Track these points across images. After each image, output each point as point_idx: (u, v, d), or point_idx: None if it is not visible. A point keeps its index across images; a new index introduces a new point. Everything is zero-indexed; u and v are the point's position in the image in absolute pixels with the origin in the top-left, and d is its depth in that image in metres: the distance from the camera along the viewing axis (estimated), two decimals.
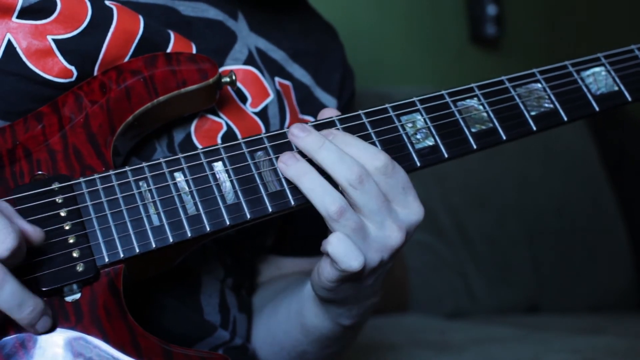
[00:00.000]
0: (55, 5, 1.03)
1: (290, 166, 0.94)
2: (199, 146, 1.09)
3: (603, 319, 2.28)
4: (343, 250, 0.91)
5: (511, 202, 2.55)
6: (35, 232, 0.85)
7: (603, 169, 2.79)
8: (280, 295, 1.18)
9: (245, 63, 1.16)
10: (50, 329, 0.87)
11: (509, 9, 2.95)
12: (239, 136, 1.12)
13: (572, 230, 2.63)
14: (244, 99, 1.15)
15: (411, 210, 0.96)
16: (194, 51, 1.11)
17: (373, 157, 0.94)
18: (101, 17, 1.04)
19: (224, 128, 1.11)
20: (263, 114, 1.16)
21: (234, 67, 1.15)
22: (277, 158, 0.98)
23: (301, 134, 0.95)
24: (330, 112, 1.02)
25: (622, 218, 2.76)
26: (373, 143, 1.01)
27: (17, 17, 1.01)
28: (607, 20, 3.13)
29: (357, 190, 0.92)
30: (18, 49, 1.01)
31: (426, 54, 2.77)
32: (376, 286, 1.02)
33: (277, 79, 1.20)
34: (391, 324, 2.08)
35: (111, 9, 1.05)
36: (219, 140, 1.10)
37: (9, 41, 1.01)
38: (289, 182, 0.96)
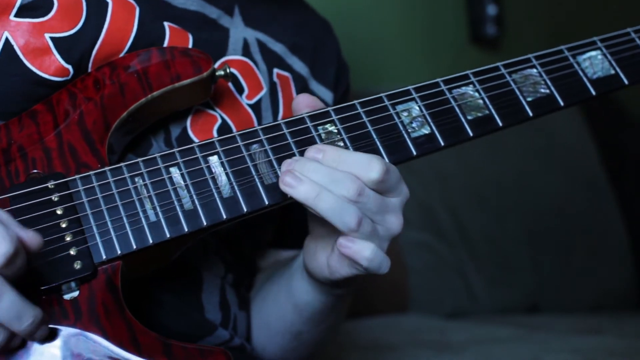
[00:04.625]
0: (52, 2, 1.03)
1: (297, 188, 0.92)
2: (196, 140, 1.08)
3: (603, 319, 2.27)
4: (378, 261, 0.94)
5: (511, 202, 2.55)
6: (32, 238, 0.83)
7: (603, 169, 2.79)
8: (267, 284, 1.19)
9: (242, 55, 1.16)
10: (48, 337, 0.87)
11: (509, 9, 2.95)
12: (234, 129, 1.12)
13: (572, 230, 2.63)
14: (241, 90, 1.15)
15: (403, 195, 0.98)
16: (191, 41, 1.11)
17: (368, 169, 0.93)
18: (96, 13, 1.04)
19: (219, 121, 1.11)
20: (256, 107, 1.16)
21: (234, 57, 1.15)
22: (272, 149, 0.98)
23: (290, 164, 0.94)
24: (304, 98, 1.03)
25: (622, 218, 2.75)
26: (368, 133, 1.01)
27: (15, 15, 1.01)
28: (607, 20, 3.13)
29: (358, 203, 0.93)
30: (15, 47, 1.01)
31: (426, 54, 2.77)
32: None
33: (276, 70, 1.20)
34: (391, 324, 2.08)
35: (107, 4, 1.05)
36: (214, 134, 1.10)
37: (7, 39, 1.01)
38: None
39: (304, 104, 1.02)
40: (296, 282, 1.10)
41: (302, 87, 1.22)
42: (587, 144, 2.79)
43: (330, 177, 0.92)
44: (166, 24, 1.10)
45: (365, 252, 0.93)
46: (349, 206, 0.92)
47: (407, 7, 2.75)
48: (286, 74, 1.21)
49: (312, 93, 1.23)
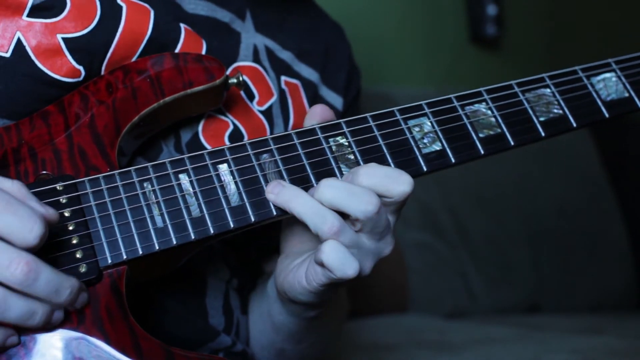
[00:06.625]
0: (65, 3, 1.03)
1: (278, 194, 0.93)
2: (207, 146, 1.08)
3: (603, 319, 2.28)
4: (338, 260, 0.90)
5: (511, 202, 2.55)
6: (50, 214, 0.83)
7: (603, 169, 2.80)
8: (253, 296, 1.19)
9: (252, 61, 1.16)
10: (87, 303, 0.87)
11: (509, 9, 2.96)
12: (245, 136, 1.11)
13: (572, 230, 2.63)
14: (251, 96, 1.15)
15: (399, 215, 0.97)
16: (204, 47, 1.11)
17: (395, 184, 0.93)
18: (110, 16, 1.04)
19: (231, 127, 1.11)
20: (268, 113, 1.16)
21: (245, 63, 1.15)
22: (282, 160, 0.97)
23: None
24: (320, 109, 1.02)
25: (622, 218, 2.76)
26: (379, 147, 1.00)
27: (28, 15, 1.01)
28: (606, 20, 3.13)
29: (373, 220, 0.92)
30: (27, 48, 1.00)
31: (426, 54, 2.77)
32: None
33: (283, 77, 1.19)
34: (391, 324, 2.08)
35: (120, 7, 1.05)
36: (226, 140, 1.10)
37: (19, 39, 1.00)
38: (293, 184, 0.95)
39: (319, 115, 1.01)
40: (272, 303, 1.10)
41: (312, 93, 1.22)
42: (587, 144, 2.80)
43: (347, 193, 0.91)
44: (182, 25, 1.09)
45: (329, 252, 0.90)
46: (326, 212, 0.91)
47: (407, 7, 2.75)
48: (295, 81, 1.21)
49: (322, 99, 1.23)
